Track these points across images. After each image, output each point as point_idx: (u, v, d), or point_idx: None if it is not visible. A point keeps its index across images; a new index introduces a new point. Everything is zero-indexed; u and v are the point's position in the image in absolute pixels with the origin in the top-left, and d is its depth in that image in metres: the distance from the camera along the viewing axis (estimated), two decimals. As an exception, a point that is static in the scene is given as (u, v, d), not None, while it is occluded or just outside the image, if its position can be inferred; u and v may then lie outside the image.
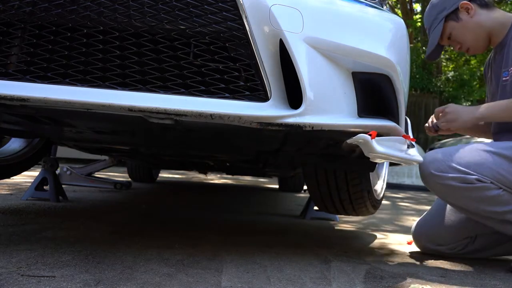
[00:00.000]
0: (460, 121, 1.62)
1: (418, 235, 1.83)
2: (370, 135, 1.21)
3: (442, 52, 2.02)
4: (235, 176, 6.65)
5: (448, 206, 1.74)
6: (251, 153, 1.85)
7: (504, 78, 1.64)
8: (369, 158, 1.33)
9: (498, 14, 1.70)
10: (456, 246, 1.74)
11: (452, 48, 1.82)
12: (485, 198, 1.46)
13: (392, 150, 1.30)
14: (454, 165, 1.47)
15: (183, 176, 6.36)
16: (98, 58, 1.16)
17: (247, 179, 6.86)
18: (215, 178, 6.51)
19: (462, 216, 1.70)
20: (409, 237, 1.92)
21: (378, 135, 1.24)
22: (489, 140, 1.79)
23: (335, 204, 1.95)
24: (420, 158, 1.48)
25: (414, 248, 1.89)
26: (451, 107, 1.65)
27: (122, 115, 1.17)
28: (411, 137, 1.43)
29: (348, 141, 1.23)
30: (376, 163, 1.61)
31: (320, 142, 1.39)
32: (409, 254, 1.81)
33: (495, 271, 1.55)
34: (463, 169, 1.46)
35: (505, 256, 1.80)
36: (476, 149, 1.51)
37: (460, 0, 1.69)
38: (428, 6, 1.79)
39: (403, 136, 1.35)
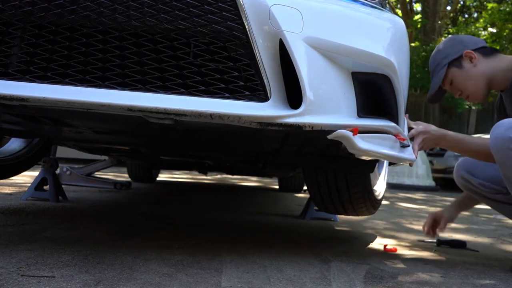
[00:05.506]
0: (426, 128, 1.64)
1: (458, 165, 1.82)
2: (352, 131, 1.21)
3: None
4: (234, 177, 6.65)
5: None
6: (251, 153, 1.85)
7: None
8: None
9: (502, 60, 1.72)
10: (487, 186, 1.72)
11: (456, 96, 1.85)
12: None
13: (379, 147, 1.30)
14: None
15: (183, 176, 6.36)
16: (98, 58, 1.16)
17: (245, 182, 6.86)
18: (215, 179, 6.51)
19: None
20: (390, 242, 1.92)
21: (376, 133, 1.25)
22: None
23: (335, 204, 1.95)
24: (412, 157, 1.46)
25: (405, 250, 1.89)
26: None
27: (121, 115, 1.17)
28: (404, 137, 1.42)
29: (329, 136, 1.22)
30: (375, 164, 1.61)
31: (319, 142, 1.39)
32: (409, 254, 1.81)
33: (495, 271, 1.55)
34: None
35: (505, 256, 1.80)
36: None
37: (464, 48, 1.73)
38: (434, 51, 1.85)
39: (394, 135, 1.35)
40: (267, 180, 6.85)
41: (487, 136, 1.62)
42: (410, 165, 1.56)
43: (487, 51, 1.75)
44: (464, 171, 1.80)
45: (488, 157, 1.56)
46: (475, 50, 1.73)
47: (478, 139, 1.68)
